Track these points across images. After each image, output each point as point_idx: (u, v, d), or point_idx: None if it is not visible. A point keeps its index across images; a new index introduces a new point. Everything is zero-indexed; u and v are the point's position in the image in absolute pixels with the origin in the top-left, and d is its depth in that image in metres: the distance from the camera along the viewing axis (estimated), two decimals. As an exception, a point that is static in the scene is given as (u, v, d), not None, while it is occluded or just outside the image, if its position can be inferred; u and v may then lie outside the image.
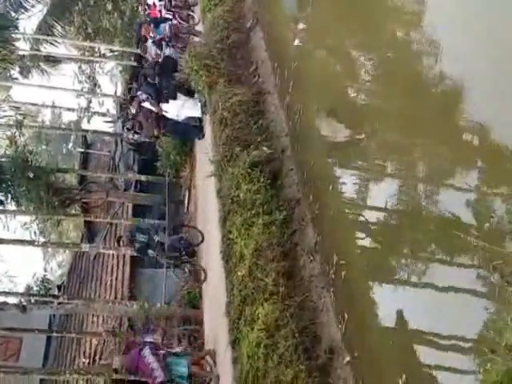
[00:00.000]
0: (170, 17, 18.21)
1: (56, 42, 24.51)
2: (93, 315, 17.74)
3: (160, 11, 18.74)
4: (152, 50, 17.79)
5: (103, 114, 25.15)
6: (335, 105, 11.46)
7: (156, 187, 19.05)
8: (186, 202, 17.23)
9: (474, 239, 7.62)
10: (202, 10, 17.36)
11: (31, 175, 16.78)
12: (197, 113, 15.27)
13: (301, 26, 13.46)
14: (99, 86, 27.15)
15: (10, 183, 16.98)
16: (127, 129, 18.49)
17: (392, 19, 12.05)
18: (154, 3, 19.17)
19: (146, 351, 11.09)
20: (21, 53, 23.68)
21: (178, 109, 15.41)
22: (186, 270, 14.89)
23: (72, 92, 25.80)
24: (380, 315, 8.61)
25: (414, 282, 8.61)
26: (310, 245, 9.33)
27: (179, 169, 17.43)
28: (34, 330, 17.25)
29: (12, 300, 16.47)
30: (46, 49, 24.51)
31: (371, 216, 9.85)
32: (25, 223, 21.10)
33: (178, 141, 16.97)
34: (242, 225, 10.38)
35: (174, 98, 15.54)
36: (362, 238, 9.99)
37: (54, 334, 18.60)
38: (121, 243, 14.86)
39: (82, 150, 23.67)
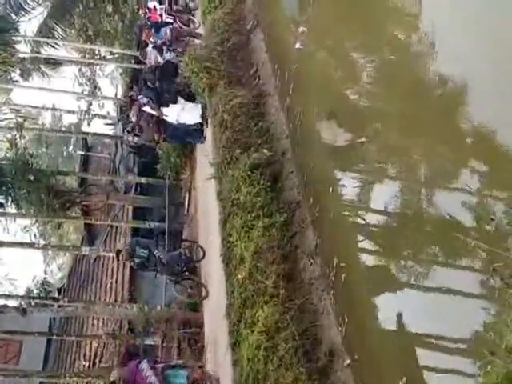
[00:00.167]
0: (171, 21, 18.19)
1: (56, 44, 24.49)
2: (93, 318, 17.77)
3: (161, 15, 18.69)
4: (152, 55, 17.76)
5: (103, 117, 25.15)
6: (335, 107, 11.44)
7: (156, 190, 19.07)
8: (186, 204, 17.23)
9: (474, 241, 7.61)
10: (202, 13, 17.36)
11: (31, 178, 16.79)
12: (196, 119, 15.20)
13: (301, 29, 13.43)
14: (99, 89, 27.12)
15: (10, 186, 16.98)
16: (127, 131, 18.49)
17: (392, 21, 12.04)
18: (154, 7, 19.14)
19: (144, 364, 10.93)
20: (21, 55, 23.66)
21: (178, 113, 15.40)
22: (187, 286, 14.66)
23: (72, 94, 25.76)
24: (380, 318, 8.59)
25: (414, 284, 8.60)
26: (311, 247, 9.31)
27: (179, 171, 17.42)
28: (34, 333, 17.26)
29: (12, 303, 16.45)
30: (47, 51, 24.46)
31: (371, 218, 9.85)
32: (25, 226, 21.04)
33: (179, 144, 16.97)
34: (242, 227, 10.37)
35: (175, 102, 15.54)
36: (363, 241, 9.97)
37: (54, 337, 18.64)
38: (120, 257, 14.67)
39: (83, 153, 23.72)
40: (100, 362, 16.52)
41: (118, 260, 15.17)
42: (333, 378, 7.88)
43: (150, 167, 18.20)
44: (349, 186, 10.37)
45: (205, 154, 13.90)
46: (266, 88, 12.71)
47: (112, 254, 17.75)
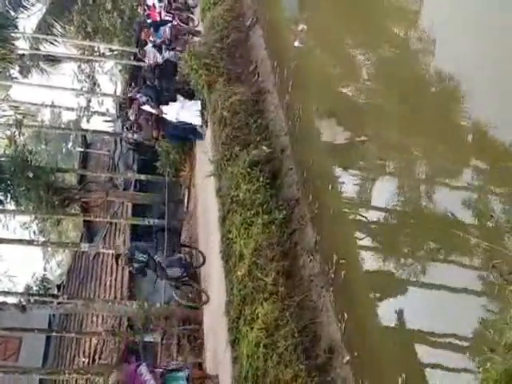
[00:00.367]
0: (170, 19, 18.14)
1: (55, 41, 24.50)
2: (92, 315, 17.76)
3: (160, 13, 18.64)
4: (151, 54, 17.73)
5: (103, 114, 25.15)
6: (335, 105, 11.44)
7: (155, 186, 19.05)
8: (186, 201, 17.21)
9: (474, 238, 7.62)
10: (201, 9, 17.33)
11: (31, 175, 16.78)
12: (196, 118, 15.15)
13: (301, 27, 13.42)
14: (99, 86, 27.17)
15: (9, 183, 16.98)
16: (127, 128, 18.47)
17: (392, 19, 12.04)
18: (153, 4, 19.09)
19: (143, 368, 10.89)
20: (20, 52, 23.67)
21: (178, 111, 15.38)
22: (187, 291, 14.54)
23: (71, 91, 25.80)
24: (380, 314, 8.60)
25: (414, 281, 8.60)
26: (310, 244, 9.31)
27: (179, 168, 17.40)
28: (33, 330, 17.27)
29: (11, 300, 16.46)
30: (46, 48, 24.50)
31: (371, 215, 9.84)
32: (24, 223, 21.13)
33: (178, 143, 16.94)
34: (242, 224, 10.37)
35: (174, 100, 15.53)
36: (362, 238, 9.97)
37: (54, 334, 18.63)
38: (119, 262, 14.57)
39: (82, 150, 23.69)
40: (99, 358, 16.52)
41: (118, 264, 15.10)
42: (332, 374, 7.89)
43: (150, 164, 18.18)
44: (348, 182, 10.38)
45: (204, 150, 13.89)
46: (265, 85, 12.71)
47: (111, 251, 17.76)
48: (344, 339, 7.94)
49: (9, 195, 17.11)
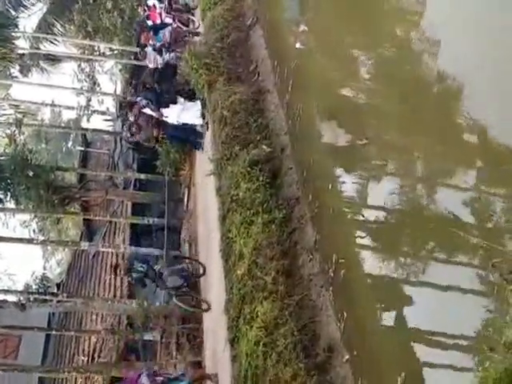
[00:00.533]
0: (170, 21, 18.08)
1: (56, 40, 24.49)
2: (92, 313, 17.79)
3: (160, 14, 18.59)
4: (151, 56, 17.71)
5: (103, 113, 25.16)
6: (335, 106, 11.44)
7: (155, 185, 19.07)
8: (186, 200, 17.23)
9: (474, 238, 7.64)
10: (201, 9, 17.32)
11: (31, 173, 16.80)
12: (196, 120, 15.14)
13: (302, 27, 13.44)
14: (99, 85, 27.14)
15: (9, 181, 17.00)
16: (127, 128, 18.46)
17: (393, 20, 12.05)
18: (154, 5, 19.06)
19: (144, 378, 10.90)
20: (20, 51, 23.68)
21: (179, 113, 15.36)
22: (188, 301, 14.44)
23: (72, 90, 25.80)
24: (379, 313, 8.62)
25: (413, 280, 8.62)
26: (310, 243, 9.32)
27: (179, 167, 17.41)
28: (33, 328, 17.29)
29: (11, 298, 16.50)
30: (46, 47, 24.49)
31: (371, 215, 9.85)
32: (24, 221, 21.12)
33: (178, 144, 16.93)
34: (242, 223, 10.37)
35: (175, 102, 15.52)
36: (362, 237, 9.98)
37: (53, 332, 18.63)
38: (118, 272, 14.47)
39: (82, 149, 23.74)
40: (99, 357, 16.54)
41: (116, 274, 15.03)
42: (332, 373, 7.89)
43: (150, 163, 18.19)
44: (348, 182, 10.39)
45: (204, 150, 13.90)
46: (265, 84, 12.71)
47: (111, 250, 17.79)
48: (343, 338, 7.95)
49: (9, 194, 17.14)
